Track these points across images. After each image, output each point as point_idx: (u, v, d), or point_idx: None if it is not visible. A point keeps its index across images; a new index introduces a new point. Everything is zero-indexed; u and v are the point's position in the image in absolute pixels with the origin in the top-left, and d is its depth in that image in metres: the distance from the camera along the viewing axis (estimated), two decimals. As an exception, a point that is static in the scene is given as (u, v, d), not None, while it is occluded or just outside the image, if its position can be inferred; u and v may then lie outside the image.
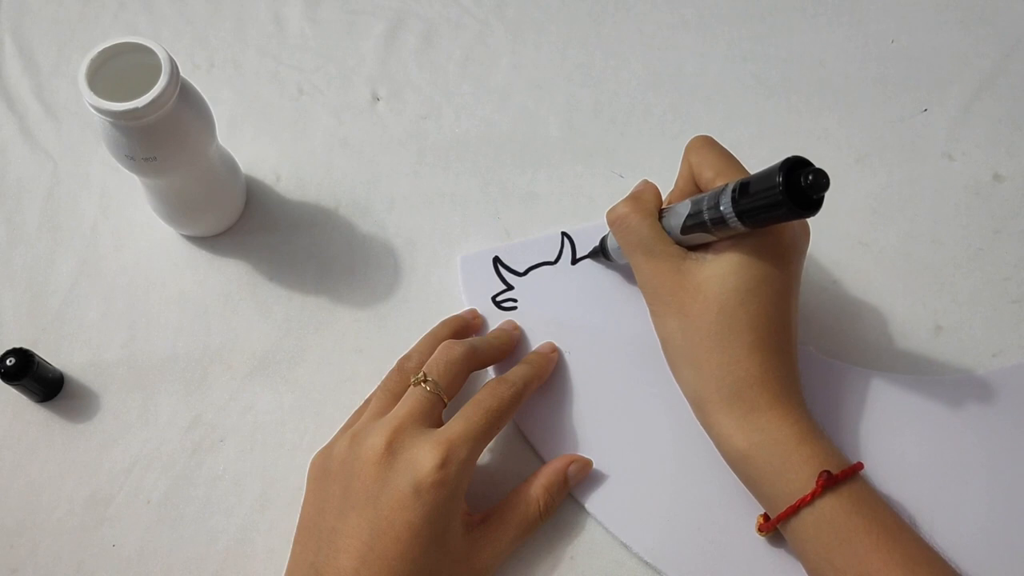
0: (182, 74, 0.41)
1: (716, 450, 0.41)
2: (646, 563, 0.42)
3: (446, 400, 0.41)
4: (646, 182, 0.44)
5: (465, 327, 0.47)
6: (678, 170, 0.43)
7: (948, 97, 0.55)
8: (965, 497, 0.43)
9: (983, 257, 0.50)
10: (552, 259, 0.50)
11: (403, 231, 0.52)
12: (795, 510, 0.37)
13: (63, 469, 0.45)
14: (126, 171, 0.44)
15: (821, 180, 0.34)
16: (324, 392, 0.47)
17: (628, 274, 0.49)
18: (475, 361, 0.43)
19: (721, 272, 0.38)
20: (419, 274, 0.50)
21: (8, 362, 0.44)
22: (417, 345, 0.46)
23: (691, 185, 0.42)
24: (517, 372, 0.44)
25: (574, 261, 0.50)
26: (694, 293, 0.39)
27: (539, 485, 0.42)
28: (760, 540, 0.42)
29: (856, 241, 0.51)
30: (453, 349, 0.43)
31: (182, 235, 0.51)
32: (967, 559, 0.40)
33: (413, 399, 0.40)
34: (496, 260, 0.50)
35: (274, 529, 0.40)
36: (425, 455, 0.38)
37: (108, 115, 0.39)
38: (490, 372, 0.47)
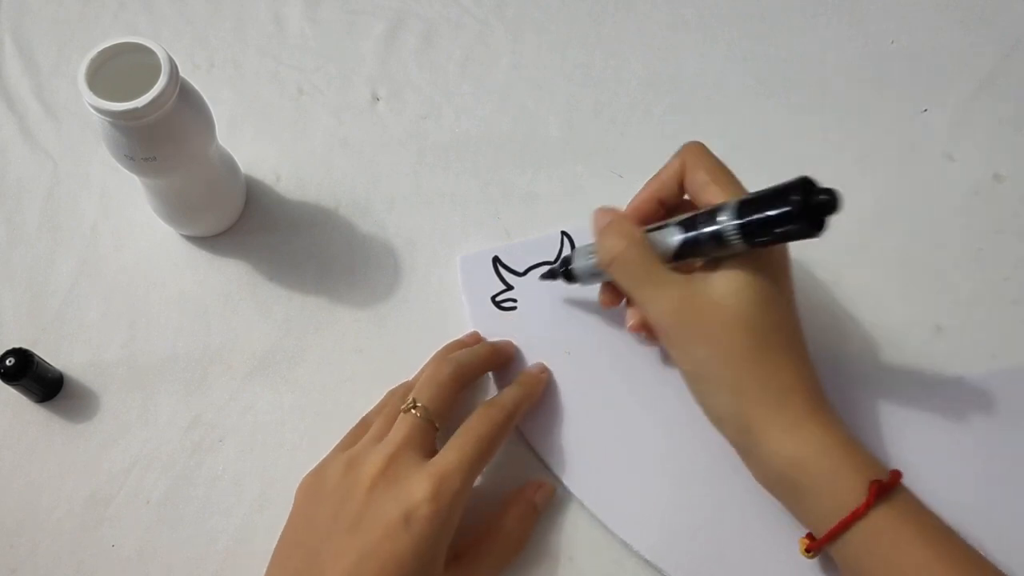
0: (182, 74, 0.41)
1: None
2: (646, 562, 0.42)
3: (438, 426, 0.41)
4: (611, 210, 0.42)
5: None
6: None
7: (948, 97, 0.55)
8: (965, 497, 0.43)
9: (983, 257, 0.50)
10: (552, 259, 0.50)
11: (403, 231, 0.52)
12: (848, 524, 0.36)
13: (63, 469, 0.45)
14: (126, 171, 0.44)
15: (835, 201, 0.34)
16: (324, 392, 0.47)
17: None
18: (466, 376, 0.43)
19: (736, 286, 0.37)
20: (419, 274, 0.50)
21: (8, 362, 0.44)
22: (417, 376, 0.45)
23: (674, 183, 0.41)
24: (508, 394, 0.43)
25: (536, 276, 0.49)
26: (714, 314, 0.38)
27: (510, 517, 0.42)
28: (760, 539, 0.42)
29: (856, 241, 0.51)
30: (440, 370, 0.42)
31: (182, 235, 0.51)
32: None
33: (405, 426, 0.40)
34: (496, 260, 0.50)
35: (274, 529, 0.40)
36: (418, 486, 0.37)
37: (108, 115, 0.39)
38: (490, 378, 0.47)
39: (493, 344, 0.46)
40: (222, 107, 0.55)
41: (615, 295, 0.44)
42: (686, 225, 0.38)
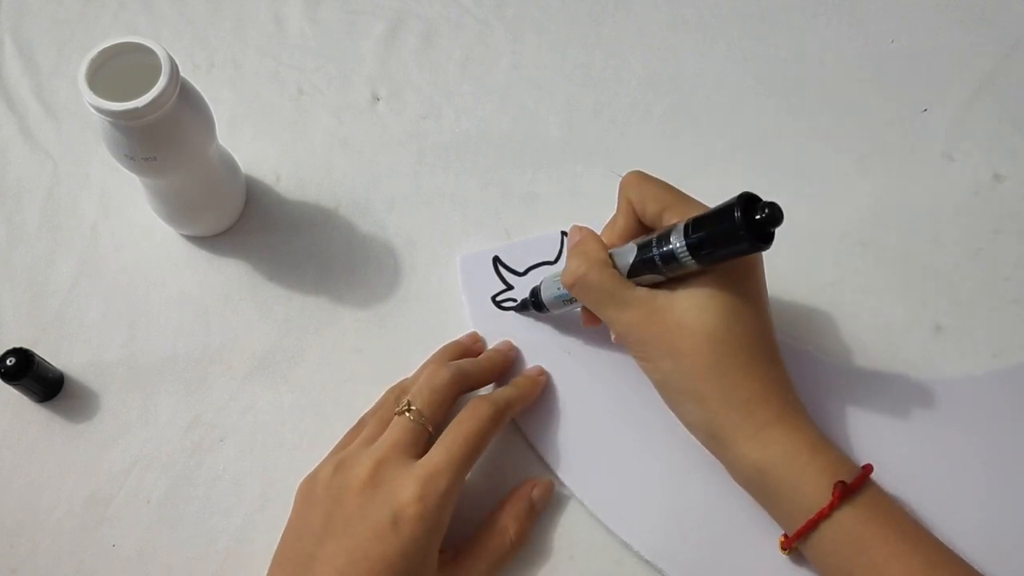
0: (182, 74, 0.41)
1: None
2: (646, 561, 0.42)
3: (431, 429, 0.41)
4: (581, 230, 0.43)
5: (464, 353, 0.46)
6: (617, 206, 0.42)
7: (948, 97, 0.55)
8: (965, 497, 0.43)
9: (983, 257, 0.50)
10: (552, 259, 0.50)
11: (403, 231, 0.52)
12: (814, 524, 0.37)
13: (63, 469, 0.45)
14: (126, 171, 0.44)
15: (776, 214, 0.34)
16: (324, 392, 0.47)
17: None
18: (464, 385, 0.43)
19: (698, 302, 0.38)
20: (419, 274, 0.50)
21: (8, 362, 0.44)
22: (415, 375, 0.45)
23: (632, 222, 0.41)
24: (501, 393, 0.43)
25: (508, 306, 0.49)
26: (678, 329, 0.38)
27: (507, 515, 0.42)
28: (759, 538, 0.42)
29: (856, 241, 0.51)
30: (439, 374, 0.42)
31: (182, 235, 0.51)
32: (967, 559, 0.40)
33: (397, 430, 0.40)
34: (496, 260, 0.50)
35: (274, 529, 0.40)
36: (405, 488, 0.37)
37: (108, 115, 0.39)
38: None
39: (496, 356, 0.46)
40: (222, 107, 0.55)
41: (594, 315, 0.45)
42: (641, 247, 0.39)
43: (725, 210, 0.35)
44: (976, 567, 0.37)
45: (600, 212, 0.45)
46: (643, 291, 0.39)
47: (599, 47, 0.58)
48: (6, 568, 0.43)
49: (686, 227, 0.37)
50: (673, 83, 0.56)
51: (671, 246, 0.37)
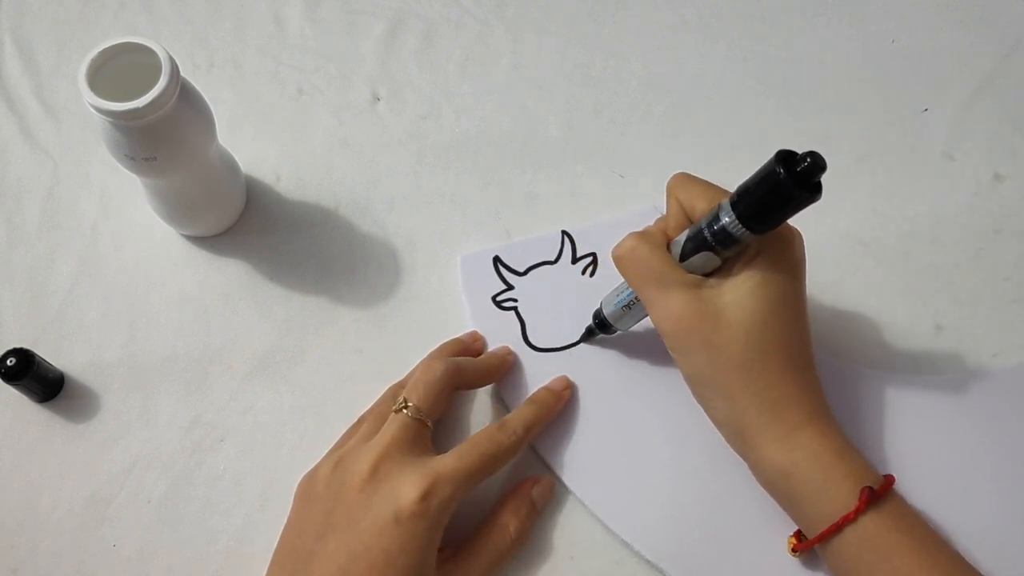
0: (182, 74, 0.41)
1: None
2: (647, 561, 0.42)
3: (429, 424, 0.41)
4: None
5: (464, 350, 0.46)
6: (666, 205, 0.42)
7: (948, 97, 0.55)
8: (965, 497, 0.43)
9: (983, 257, 0.50)
10: (552, 258, 0.50)
11: (403, 231, 0.52)
12: (838, 528, 0.36)
13: (63, 469, 0.45)
14: (126, 171, 0.44)
15: (819, 161, 0.34)
16: (324, 392, 0.47)
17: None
18: (459, 380, 0.43)
19: (740, 297, 0.38)
20: (419, 274, 0.50)
21: (8, 362, 0.44)
22: (412, 371, 0.45)
23: (682, 221, 0.41)
24: (520, 416, 0.43)
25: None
26: (716, 322, 0.38)
27: (507, 513, 0.42)
28: (760, 539, 0.42)
29: (856, 241, 0.51)
30: (433, 369, 0.42)
31: (182, 235, 0.51)
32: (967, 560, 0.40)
33: (396, 426, 0.40)
34: (496, 260, 0.50)
35: (274, 529, 0.40)
36: (408, 485, 0.37)
37: (108, 115, 0.39)
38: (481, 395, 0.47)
39: (494, 359, 0.46)
40: (222, 107, 0.54)
41: None
42: (693, 231, 0.39)
43: (766, 172, 0.35)
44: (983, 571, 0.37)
45: (600, 212, 0.45)
46: (691, 277, 0.39)
47: (599, 47, 0.58)
48: (7, 568, 0.43)
49: (732, 201, 0.36)
50: (673, 83, 0.56)
51: (722, 223, 0.37)
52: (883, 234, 0.51)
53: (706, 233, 0.38)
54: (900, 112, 0.55)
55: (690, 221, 0.40)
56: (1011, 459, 0.44)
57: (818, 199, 0.35)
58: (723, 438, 0.41)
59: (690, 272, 0.39)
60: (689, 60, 0.57)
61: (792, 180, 0.34)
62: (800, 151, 0.35)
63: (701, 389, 0.40)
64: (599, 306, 0.45)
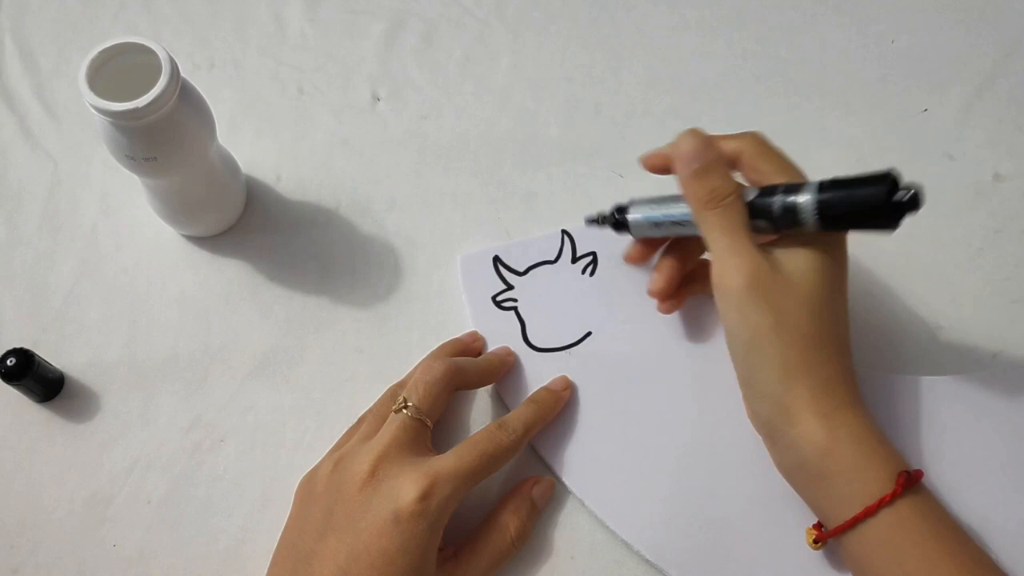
0: (182, 74, 0.41)
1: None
2: (647, 561, 0.42)
3: (429, 423, 0.41)
4: (694, 137, 0.40)
5: (464, 350, 0.46)
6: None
7: (948, 97, 0.55)
8: (965, 497, 0.43)
9: (983, 257, 0.50)
10: (552, 258, 0.50)
11: (403, 231, 0.52)
12: (873, 510, 0.36)
13: (63, 469, 0.45)
14: (126, 171, 0.44)
15: (917, 200, 0.34)
16: (324, 392, 0.47)
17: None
18: (458, 380, 0.43)
19: (812, 266, 0.37)
20: (419, 274, 0.50)
21: (8, 362, 0.44)
22: (412, 371, 0.45)
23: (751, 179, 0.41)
24: (520, 416, 0.43)
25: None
26: (785, 287, 0.37)
27: (508, 512, 0.42)
28: (761, 537, 0.42)
29: (856, 241, 0.51)
30: (432, 369, 0.42)
31: (182, 235, 0.51)
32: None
33: (395, 426, 0.40)
34: (496, 259, 0.50)
35: (275, 529, 0.40)
36: (408, 485, 0.37)
37: (108, 115, 0.39)
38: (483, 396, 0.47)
39: (494, 359, 0.46)
40: (222, 107, 0.55)
41: (646, 252, 0.44)
42: (765, 191, 0.38)
43: (870, 179, 0.35)
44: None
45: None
46: (759, 237, 0.39)
47: (599, 47, 0.58)
48: (7, 568, 0.43)
49: (821, 184, 0.36)
50: (673, 83, 0.56)
51: (797, 198, 0.36)
52: (883, 234, 0.51)
53: (776, 201, 0.37)
54: (900, 112, 0.55)
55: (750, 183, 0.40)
56: (1012, 459, 0.44)
57: (892, 230, 0.35)
58: (754, 415, 0.40)
59: None
60: (689, 60, 0.57)
61: (890, 208, 0.34)
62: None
63: (754, 355, 0.38)
64: (626, 203, 0.44)
